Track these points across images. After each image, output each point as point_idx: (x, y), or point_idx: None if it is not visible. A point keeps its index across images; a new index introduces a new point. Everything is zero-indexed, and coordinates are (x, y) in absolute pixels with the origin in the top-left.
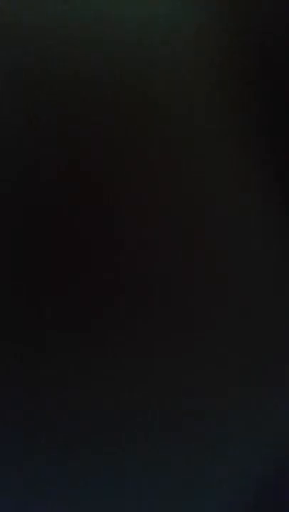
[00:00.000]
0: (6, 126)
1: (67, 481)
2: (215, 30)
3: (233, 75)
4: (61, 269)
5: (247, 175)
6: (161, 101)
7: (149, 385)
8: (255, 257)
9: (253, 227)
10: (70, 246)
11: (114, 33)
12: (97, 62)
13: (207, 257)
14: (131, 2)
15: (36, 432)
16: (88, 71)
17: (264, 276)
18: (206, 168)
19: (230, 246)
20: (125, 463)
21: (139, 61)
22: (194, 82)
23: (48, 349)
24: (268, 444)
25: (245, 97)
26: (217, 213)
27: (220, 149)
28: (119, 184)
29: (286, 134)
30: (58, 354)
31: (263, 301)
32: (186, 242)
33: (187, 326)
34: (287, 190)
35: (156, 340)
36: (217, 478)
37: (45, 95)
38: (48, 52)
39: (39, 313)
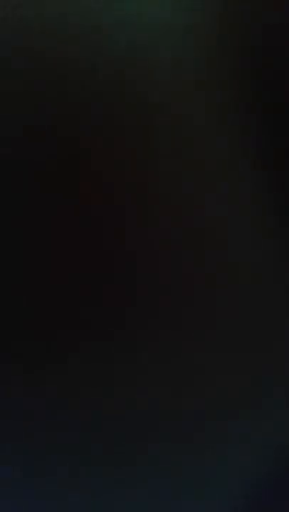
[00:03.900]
0: (6, 127)
1: (67, 480)
2: (214, 30)
3: (234, 75)
4: (60, 269)
5: (247, 175)
6: (162, 101)
7: (149, 385)
8: (256, 256)
9: (253, 228)
10: (69, 246)
11: (114, 33)
12: (97, 63)
13: (207, 257)
14: (131, 2)
15: (35, 432)
16: (87, 72)
17: (264, 276)
18: (206, 169)
19: (230, 246)
20: (125, 463)
21: (139, 61)
22: (194, 82)
23: (48, 350)
24: (267, 444)
25: (245, 97)
26: (217, 213)
27: (220, 149)
28: (118, 184)
29: (286, 134)
30: (57, 355)
31: (263, 300)
32: (186, 242)
33: (187, 326)
34: (287, 191)
35: (155, 340)
36: (217, 478)
37: (44, 94)
38: (48, 51)
39: (39, 314)
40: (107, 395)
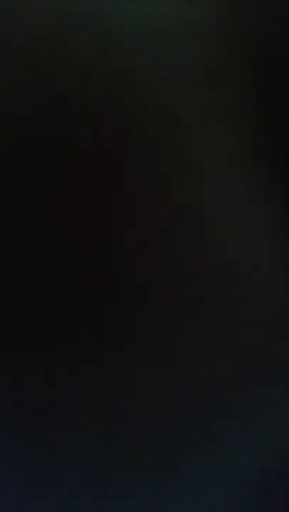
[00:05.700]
0: (6, 126)
1: (67, 480)
2: (215, 30)
3: (234, 75)
4: (58, 270)
5: (247, 175)
6: (162, 100)
7: (149, 385)
8: (256, 257)
9: (253, 228)
10: (67, 245)
11: (114, 33)
12: (97, 63)
13: (207, 258)
14: (131, 2)
15: (37, 433)
16: (87, 73)
17: (264, 276)
18: (206, 169)
19: (230, 247)
20: (125, 463)
21: (138, 62)
22: (194, 81)
23: (45, 350)
24: (268, 444)
25: (245, 97)
26: (217, 213)
27: (220, 149)
28: (118, 184)
29: (286, 134)
30: (55, 356)
31: (262, 300)
32: (186, 242)
33: (187, 326)
34: (287, 190)
35: (155, 339)
36: (217, 478)
37: (44, 91)
38: (48, 50)
39: (36, 317)
40: (107, 394)
